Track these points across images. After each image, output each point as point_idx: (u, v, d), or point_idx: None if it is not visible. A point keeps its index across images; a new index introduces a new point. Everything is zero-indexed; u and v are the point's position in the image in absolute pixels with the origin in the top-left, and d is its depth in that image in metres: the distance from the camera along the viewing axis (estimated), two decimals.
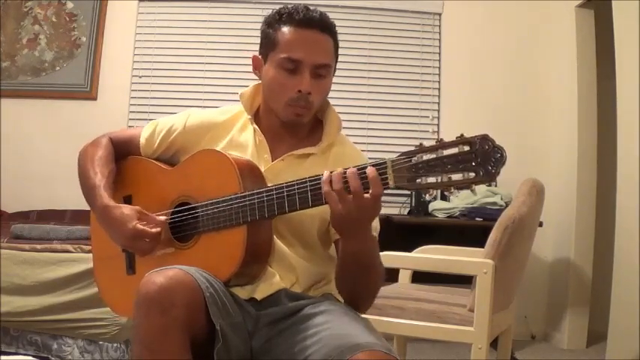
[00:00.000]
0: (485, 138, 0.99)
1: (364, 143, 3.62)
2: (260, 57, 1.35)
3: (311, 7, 1.31)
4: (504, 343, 2.31)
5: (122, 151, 1.44)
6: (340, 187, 1.07)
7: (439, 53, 3.81)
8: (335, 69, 1.37)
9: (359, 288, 1.25)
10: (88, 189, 1.36)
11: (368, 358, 1.02)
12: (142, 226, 1.23)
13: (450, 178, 1.00)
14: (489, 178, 0.98)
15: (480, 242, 2.12)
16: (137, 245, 1.25)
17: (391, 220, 3.15)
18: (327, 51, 1.31)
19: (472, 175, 0.99)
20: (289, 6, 1.30)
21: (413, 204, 3.44)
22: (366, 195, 1.06)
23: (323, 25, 1.29)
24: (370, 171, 1.06)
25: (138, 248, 1.26)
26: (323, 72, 1.30)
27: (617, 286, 2.80)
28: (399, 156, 1.05)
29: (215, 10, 3.79)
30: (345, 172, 1.08)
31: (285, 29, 1.28)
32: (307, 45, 1.27)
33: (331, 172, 1.10)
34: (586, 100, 3.49)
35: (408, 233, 3.17)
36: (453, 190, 1.02)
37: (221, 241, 1.23)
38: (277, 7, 1.33)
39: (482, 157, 0.98)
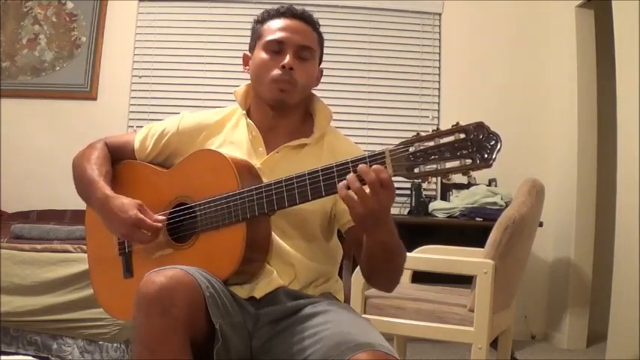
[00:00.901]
0: (480, 125, 1.00)
1: (364, 143, 3.62)
2: (249, 52, 1.42)
3: (302, 6, 1.40)
4: (504, 343, 2.31)
5: (117, 156, 1.46)
6: (359, 186, 1.06)
7: (439, 53, 3.82)
8: (320, 61, 1.43)
9: (391, 272, 1.28)
10: (85, 185, 1.37)
11: (368, 357, 1.02)
12: (143, 216, 1.24)
13: (447, 165, 1.01)
14: (485, 163, 0.99)
15: (480, 242, 2.12)
16: (136, 234, 1.25)
17: None
18: (310, 37, 1.37)
19: (469, 161, 1.00)
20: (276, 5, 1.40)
21: (413, 204, 3.44)
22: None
23: (306, 18, 1.38)
24: (375, 167, 1.05)
25: (137, 238, 1.26)
26: (306, 55, 1.35)
27: (617, 286, 2.80)
28: (396, 145, 1.06)
29: (215, 10, 3.79)
30: (355, 170, 1.07)
31: (269, 20, 1.38)
32: (290, 28, 1.35)
33: (347, 175, 1.08)
34: (586, 100, 3.49)
35: (408, 233, 3.14)
36: (450, 177, 1.03)
37: (220, 239, 1.23)
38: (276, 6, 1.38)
39: (477, 144, 0.99)
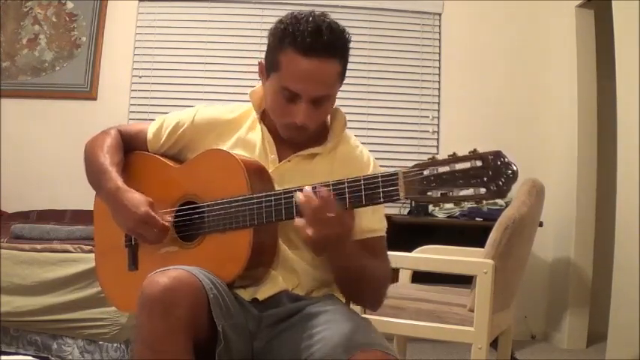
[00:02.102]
0: (498, 154, 0.98)
1: (364, 143, 3.59)
2: (265, 66, 1.30)
3: (319, 21, 1.22)
4: (504, 343, 2.31)
5: (129, 145, 1.44)
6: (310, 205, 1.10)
7: (439, 53, 3.81)
8: (341, 83, 1.32)
9: (360, 294, 1.27)
10: (96, 172, 1.35)
11: (368, 357, 1.02)
12: (154, 214, 1.22)
13: (460, 192, 1.00)
14: (500, 194, 0.97)
15: (480, 242, 2.12)
16: (144, 231, 1.23)
17: (391, 220, 3.13)
18: (329, 80, 1.24)
19: (483, 190, 0.98)
20: (297, 18, 1.22)
21: (413, 204, 3.43)
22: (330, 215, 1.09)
23: (329, 51, 1.21)
24: (323, 192, 1.08)
25: (144, 234, 1.24)
26: (323, 100, 1.26)
27: (617, 286, 2.81)
28: (411, 167, 1.05)
29: (215, 10, 3.78)
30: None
31: (289, 53, 1.21)
32: (307, 77, 1.21)
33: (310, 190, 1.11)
34: (586, 100, 3.49)
35: (408, 233, 3.16)
36: (464, 205, 1.03)
37: (226, 242, 1.23)
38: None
39: (494, 173, 0.97)
